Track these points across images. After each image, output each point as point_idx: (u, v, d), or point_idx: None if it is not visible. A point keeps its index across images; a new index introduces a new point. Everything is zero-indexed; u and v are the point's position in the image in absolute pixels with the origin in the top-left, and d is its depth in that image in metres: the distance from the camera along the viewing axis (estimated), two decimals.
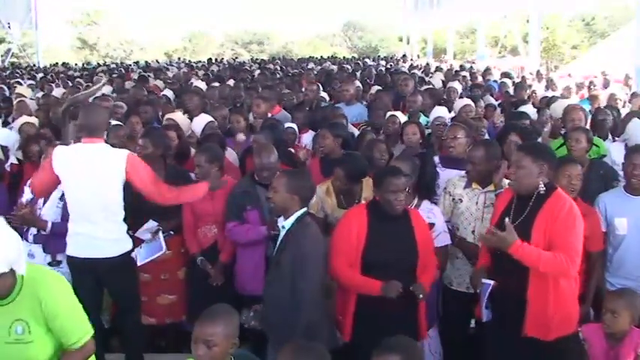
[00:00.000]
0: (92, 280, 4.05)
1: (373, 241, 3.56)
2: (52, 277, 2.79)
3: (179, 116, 6.33)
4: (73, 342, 2.75)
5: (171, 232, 4.58)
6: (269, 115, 6.72)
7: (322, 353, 2.49)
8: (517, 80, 11.56)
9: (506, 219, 3.24)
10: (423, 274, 3.60)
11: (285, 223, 3.52)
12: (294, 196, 3.48)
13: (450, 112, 6.67)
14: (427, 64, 20.83)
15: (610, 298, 3.40)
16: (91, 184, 3.90)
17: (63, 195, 4.17)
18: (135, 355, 4.30)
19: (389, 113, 6.03)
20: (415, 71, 14.52)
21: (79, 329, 2.79)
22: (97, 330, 4.17)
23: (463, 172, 4.24)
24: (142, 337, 4.43)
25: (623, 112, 7.50)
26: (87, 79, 14.86)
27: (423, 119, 6.43)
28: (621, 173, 4.40)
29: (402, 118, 5.96)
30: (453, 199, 4.16)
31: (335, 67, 17.20)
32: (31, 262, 4.10)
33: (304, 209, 3.54)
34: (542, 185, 3.27)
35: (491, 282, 3.30)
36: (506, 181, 4.05)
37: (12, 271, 2.59)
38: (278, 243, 3.56)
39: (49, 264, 4.32)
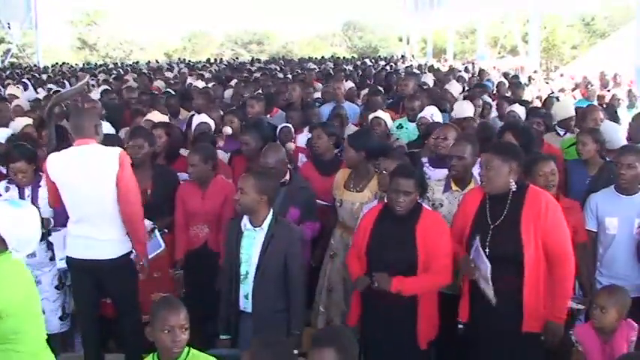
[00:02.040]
0: (91, 281, 4.06)
1: (375, 240, 3.63)
2: (8, 270, 2.70)
3: (157, 116, 6.29)
4: None
5: (166, 230, 4.59)
6: (268, 116, 6.72)
7: (287, 346, 2.60)
8: (522, 81, 11.53)
9: None
10: (421, 275, 3.52)
11: (263, 226, 3.55)
12: (262, 197, 3.51)
13: (449, 111, 6.66)
14: (423, 64, 20.81)
15: (600, 294, 3.43)
16: (88, 185, 3.90)
17: None
18: (134, 355, 4.30)
19: (371, 115, 6.00)
20: (415, 71, 14.53)
21: None
22: (95, 331, 4.22)
23: (442, 176, 4.24)
24: (142, 338, 4.41)
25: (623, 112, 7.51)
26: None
27: None
28: None
29: (387, 118, 5.95)
30: (433, 204, 4.09)
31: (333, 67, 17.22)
32: (32, 260, 4.18)
33: (272, 210, 3.59)
34: (514, 183, 3.37)
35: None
36: None
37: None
38: (259, 249, 3.53)
39: (50, 259, 4.43)
